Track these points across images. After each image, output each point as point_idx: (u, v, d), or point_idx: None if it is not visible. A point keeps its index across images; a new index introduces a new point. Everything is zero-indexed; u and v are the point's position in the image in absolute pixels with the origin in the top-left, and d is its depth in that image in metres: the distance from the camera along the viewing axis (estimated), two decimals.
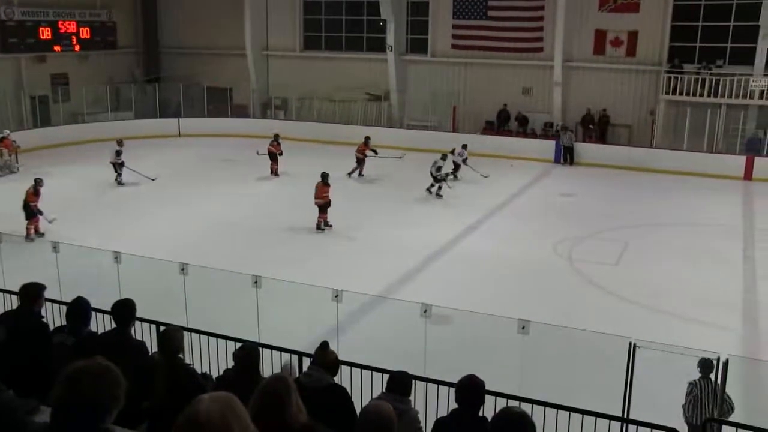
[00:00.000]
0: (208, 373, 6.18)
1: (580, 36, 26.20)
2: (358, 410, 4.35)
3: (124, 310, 5.53)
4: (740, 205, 19.84)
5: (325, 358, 5.05)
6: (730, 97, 23.58)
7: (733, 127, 23.75)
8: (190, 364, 5.47)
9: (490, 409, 4.62)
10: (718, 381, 7.31)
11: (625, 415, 7.31)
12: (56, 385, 2.42)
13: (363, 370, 6.56)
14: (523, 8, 26.79)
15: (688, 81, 24.14)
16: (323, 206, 16.54)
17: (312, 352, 5.30)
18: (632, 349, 7.52)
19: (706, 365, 7.66)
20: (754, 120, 23.89)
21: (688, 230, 17.16)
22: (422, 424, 5.05)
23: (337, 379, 5.13)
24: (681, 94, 24.21)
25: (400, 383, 4.96)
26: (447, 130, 27.37)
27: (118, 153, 20.62)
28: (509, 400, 5.94)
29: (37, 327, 5.48)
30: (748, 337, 11.52)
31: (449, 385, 5.56)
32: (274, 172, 22.33)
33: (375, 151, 22.17)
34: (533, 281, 13.52)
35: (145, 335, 6.62)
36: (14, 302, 6.76)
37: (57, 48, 28.52)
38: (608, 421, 6.13)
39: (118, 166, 20.63)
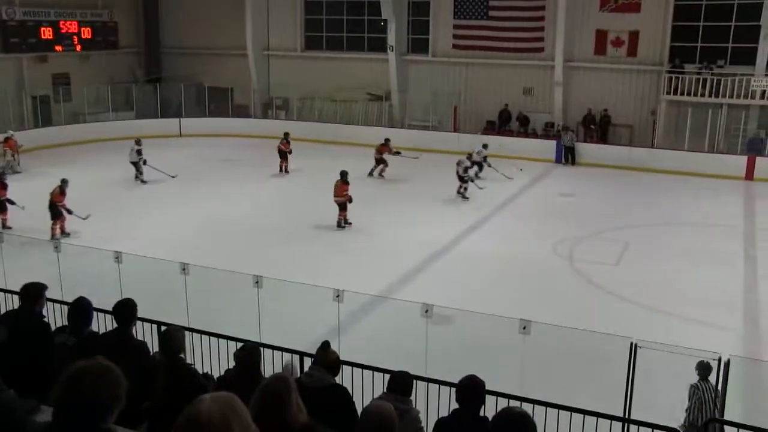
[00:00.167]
0: (209, 373, 6.18)
1: (581, 36, 26.19)
2: (359, 410, 4.35)
3: (125, 310, 5.53)
4: (741, 205, 19.83)
5: (326, 358, 5.06)
6: (731, 97, 23.56)
7: (735, 128, 23.75)
8: (191, 364, 5.46)
9: (491, 409, 4.63)
10: (720, 381, 7.30)
11: (627, 416, 7.31)
12: (57, 385, 2.42)
13: (364, 370, 6.56)
14: (524, 8, 26.79)
15: (689, 81, 24.13)
16: (343, 204, 16.69)
17: (313, 352, 5.31)
18: (633, 349, 7.52)
19: (704, 368, 7.67)
20: (755, 120, 23.89)
21: (689, 230, 17.16)
22: (423, 424, 5.05)
23: (338, 379, 5.13)
24: (682, 94, 24.20)
25: (401, 383, 4.96)
26: (448, 130, 27.39)
27: (139, 152, 20.98)
28: (510, 400, 5.93)
29: (38, 327, 5.48)
30: (749, 337, 11.52)
31: (450, 385, 5.55)
32: (285, 170, 22.62)
33: (398, 152, 22.12)
34: (534, 281, 13.52)
35: (147, 335, 6.62)
36: (15, 302, 6.78)
37: (58, 48, 28.56)
38: (609, 421, 6.13)
39: (139, 164, 20.97)
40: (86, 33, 29.52)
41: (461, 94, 28.29)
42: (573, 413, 6.09)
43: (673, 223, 17.76)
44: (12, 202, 16.14)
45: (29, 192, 16.86)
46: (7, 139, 22.04)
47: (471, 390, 4.54)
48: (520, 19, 26.95)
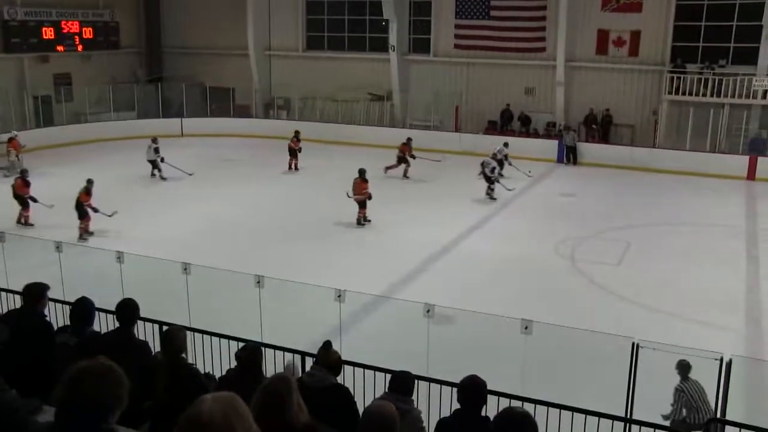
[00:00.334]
0: (210, 373, 6.18)
1: (583, 36, 26.17)
2: (360, 410, 4.36)
3: (127, 310, 5.53)
4: (743, 205, 19.81)
5: (328, 358, 5.05)
6: (733, 97, 23.54)
7: (736, 127, 23.72)
8: (192, 364, 5.47)
9: (492, 409, 4.63)
10: (722, 381, 7.29)
11: (628, 416, 7.30)
12: (59, 385, 2.42)
13: (366, 370, 6.56)
14: (526, 8, 26.78)
15: (690, 81, 24.11)
16: (363, 202, 16.80)
17: (315, 352, 5.31)
18: (635, 349, 7.51)
19: (684, 367, 7.78)
20: (757, 120, 23.86)
21: (690, 230, 17.14)
22: (425, 424, 5.05)
23: (339, 379, 5.13)
24: (684, 94, 24.18)
25: (402, 383, 4.96)
26: (449, 130, 27.38)
27: (157, 150, 21.34)
28: (512, 400, 5.93)
29: (40, 327, 5.48)
30: (751, 337, 11.50)
31: (452, 385, 5.55)
32: (294, 167, 22.97)
33: (413, 156, 22.11)
34: (535, 281, 13.51)
35: (148, 335, 6.62)
36: (17, 302, 6.79)
37: (60, 48, 28.60)
38: (611, 421, 6.12)
39: (157, 162, 21.32)
40: (88, 33, 29.56)
41: (463, 94, 28.28)
42: (574, 413, 6.08)
43: (675, 223, 17.74)
44: (34, 200, 16.49)
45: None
46: (10, 140, 22.12)
47: (473, 390, 4.53)
48: (521, 18, 26.93)
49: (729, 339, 10.66)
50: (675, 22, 25.02)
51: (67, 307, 6.02)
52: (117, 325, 5.56)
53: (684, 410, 7.70)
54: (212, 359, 7.13)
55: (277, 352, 6.89)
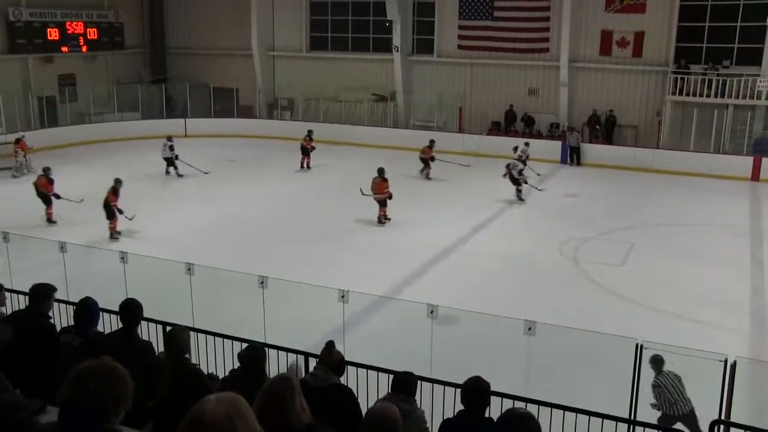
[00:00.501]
0: (214, 373, 6.19)
1: (587, 37, 26.15)
2: (363, 411, 4.35)
3: (130, 311, 5.53)
4: (747, 206, 19.76)
5: (331, 359, 5.05)
6: (737, 97, 23.49)
7: (740, 128, 23.68)
8: (196, 365, 5.47)
9: (496, 410, 4.62)
10: (726, 383, 7.27)
11: (632, 417, 7.29)
12: (63, 385, 2.43)
13: (369, 371, 6.55)
14: (530, 9, 26.76)
15: (694, 82, 24.06)
16: (383, 201, 16.90)
17: (318, 352, 5.30)
18: (639, 350, 7.50)
19: (656, 362, 7.80)
20: (761, 120, 23.80)
21: (694, 231, 17.10)
22: (428, 425, 5.04)
23: (342, 380, 5.13)
24: (687, 94, 24.13)
25: (404, 384, 4.97)
26: (453, 131, 27.37)
27: (172, 148, 21.67)
28: (515, 401, 5.92)
29: (43, 327, 5.49)
30: (756, 338, 11.47)
31: (455, 386, 5.55)
32: (307, 165, 23.26)
33: (433, 158, 22.11)
34: (539, 282, 13.50)
35: (152, 335, 6.64)
36: (22, 302, 6.80)
37: (64, 49, 28.66)
38: (615, 422, 6.11)
39: (173, 160, 21.65)
40: (92, 34, 29.61)
41: (466, 94, 28.29)
42: (578, 414, 6.07)
43: (679, 223, 17.71)
44: (58, 197, 16.70)
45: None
46: (18, 141, 22.26)
47: (476, 391, 4.53)
48: (525, 19, 26.92)
49: (733, 340, 10.64)
50: (679, 23, 24.97)
51: (72, 307, 6.03)
52: (121, 325, 5.57)
53: (666, 404, 7.68)
54: (215, 360, 7.14)
55: (280, 352, 6.89)
